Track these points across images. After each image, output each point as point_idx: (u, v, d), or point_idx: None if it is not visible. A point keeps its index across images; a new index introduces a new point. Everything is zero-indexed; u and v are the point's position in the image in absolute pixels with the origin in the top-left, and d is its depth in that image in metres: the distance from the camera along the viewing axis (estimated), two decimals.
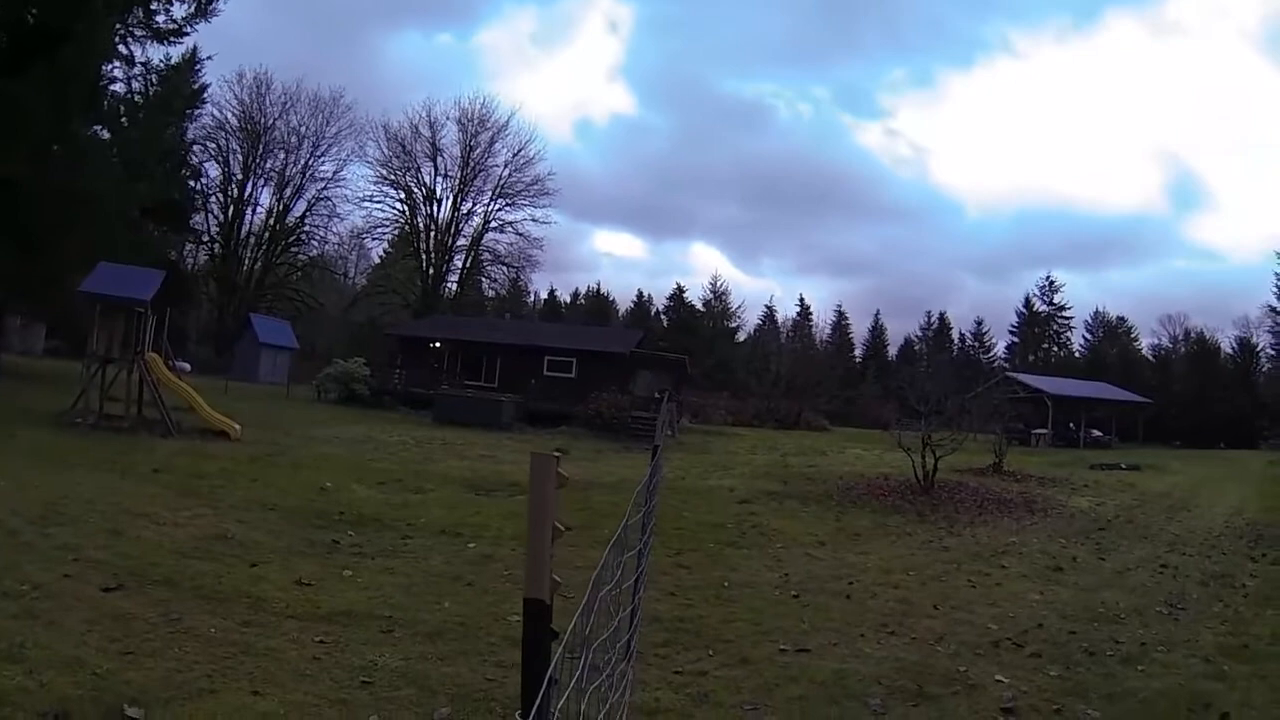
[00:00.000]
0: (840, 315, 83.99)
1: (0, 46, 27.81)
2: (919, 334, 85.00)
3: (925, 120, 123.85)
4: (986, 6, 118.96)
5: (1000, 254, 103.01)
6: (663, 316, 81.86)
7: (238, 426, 19.72)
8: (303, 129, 65.39)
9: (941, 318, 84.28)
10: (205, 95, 40.35)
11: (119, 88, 34.16)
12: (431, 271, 67.70)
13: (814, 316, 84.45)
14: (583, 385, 34.82)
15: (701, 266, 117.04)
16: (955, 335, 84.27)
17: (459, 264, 70.22)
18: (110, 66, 32.53)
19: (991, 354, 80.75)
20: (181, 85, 35.64)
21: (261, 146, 64.26)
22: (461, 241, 69.53)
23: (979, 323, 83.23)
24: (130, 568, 7.52)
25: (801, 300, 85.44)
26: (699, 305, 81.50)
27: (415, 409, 33.49)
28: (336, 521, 10.89)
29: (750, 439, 35.57)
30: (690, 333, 70.83)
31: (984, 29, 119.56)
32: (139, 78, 34.78)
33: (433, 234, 68.77)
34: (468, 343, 40.67)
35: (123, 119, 34.12)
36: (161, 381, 19.72)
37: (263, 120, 63.84)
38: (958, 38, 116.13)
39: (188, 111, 37.61)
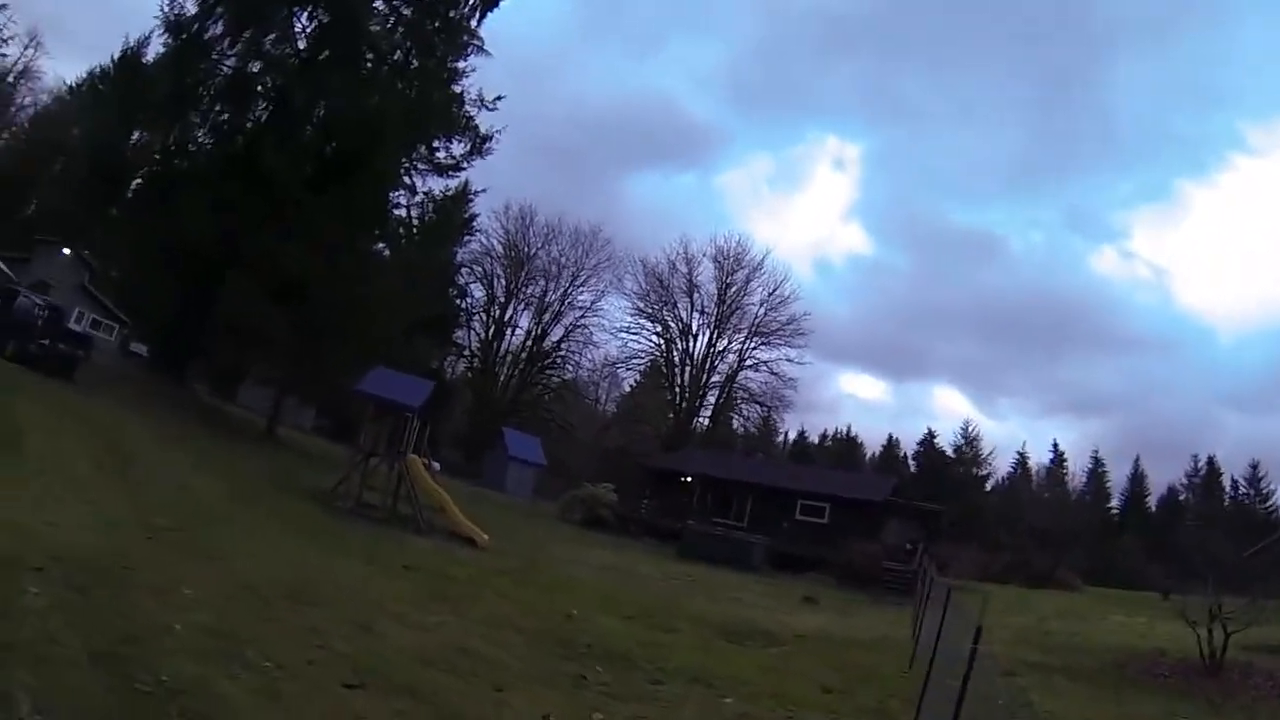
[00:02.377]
0: (1096, 461, 75.06)
1: (306, 173, 31.81)
2: (1183, 481, 73.85)
3: (1162, 236, 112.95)
4: (1209, 100, 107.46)
5: (1266, 381, 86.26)
6: (910, 461, 77.71)
7: (486, 536, 19.98)
8: (563, 259, 68.87)
9: (1210, 462, 72.64)
10: (475, 223, 44.49)
11: (401, 212, 37.89)
12: (684, 405, 68.42)
13: (1067, 463, 76.11)
14: (833, 531, 33.60)
15: (942, 409, 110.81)
16: (1226, 482, 71.93)
17: (711, 399, 70.60)
18: (396, 194, 36.19)
19: (1271, 503, 68.16)
20: (455, 214, 39.36)
21: (524, 273, 68.45)
22: (715, 378, 70.00)
23: (1254, 466, 70.44)
24: (373, 667, 7.26)
25: (1055, 446, 77.73)
26: (949, 451, 76.56)
27: (660, 540, 33.22)
28: (584, 654, 10.19)
29: (1002, 597, 31.77)
30: (939, 480, 66.30)
31: (1210, 125, 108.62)
32: (419, 205, 38.44)
33: (687, 368, 69.73)
34: (719, 480, 40.26)
35: (403, 240, 37.72)
36: (418, 482, 20.57)
37: (526, 249, 68.18)
38: (1184, 139, 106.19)
39: (459, 237, 41.25)
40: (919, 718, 8.65)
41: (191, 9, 32.39)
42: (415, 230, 37.28)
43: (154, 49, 34.12)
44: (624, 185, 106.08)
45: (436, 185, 37.66)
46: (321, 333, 30.94)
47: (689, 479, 40.66)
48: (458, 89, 36.10)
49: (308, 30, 34.28)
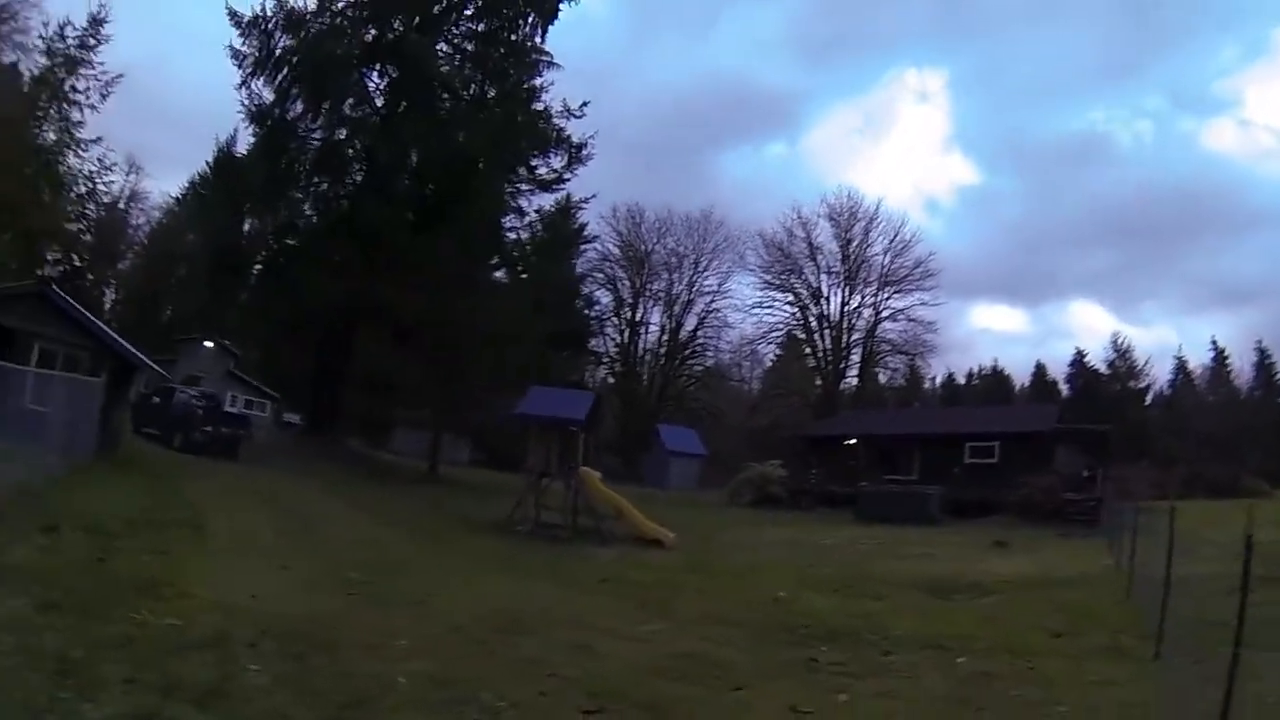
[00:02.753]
0: (1261, 353, 67.47)
1: (409, 219, 32.71)
2: None
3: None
4: None
5: None
6: (1064, 386, 72.88)
7: (671, 535, 19.46)
8: (681, 249, 68.03)
9: None
10: (586, 231, 43.84)
11: (514, 236, 38.06)
12: (829, 369, 66.85)
13: (1230, 360, 69.41)
14: (1005, 469, 31.63)
15: (1084, 327, 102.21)
16: None
17: (855, 359, 68.54)
18: (505, 219, 36.47)
19: None
20: (565, 227, 39.08)
21: (645, 270, 68.12)
22: (855, 336, 67.96)
23: None
24: (606, 688, 6.68)
25: (1214, 344, 70.94)
26: (1101, 368, 71.81)
27: (833, 507, 32.22)
28: (804, 636, 9.52)
29: (1191, 513, 28.92)
30: (1095, 400, 62.14)
31: None
32: (529, 226, 38.46)
33: (826, 332, 67.92)
34: (882, 436, 38.90)
35: (519, 262, 37.84)
36: (596, 494, 20.26)
37: (642, 246, 67.89)
38: None
39: (575, 248, 41.14)
40: (1161, 649, 8.09)
41: (269, 96, 33.54)
42: (530, 250, 37.23)
43: (243, 142, 35.39)
44: (716, 168, 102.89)
45: (544, 202, 37.95)
46: (457, 367, 31.32)
47: (852, 441, 39.32)
48: (540, 106, 36.23)
49: (381, 87, 35.20)
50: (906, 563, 17.05)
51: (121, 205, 66.15)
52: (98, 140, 50.05)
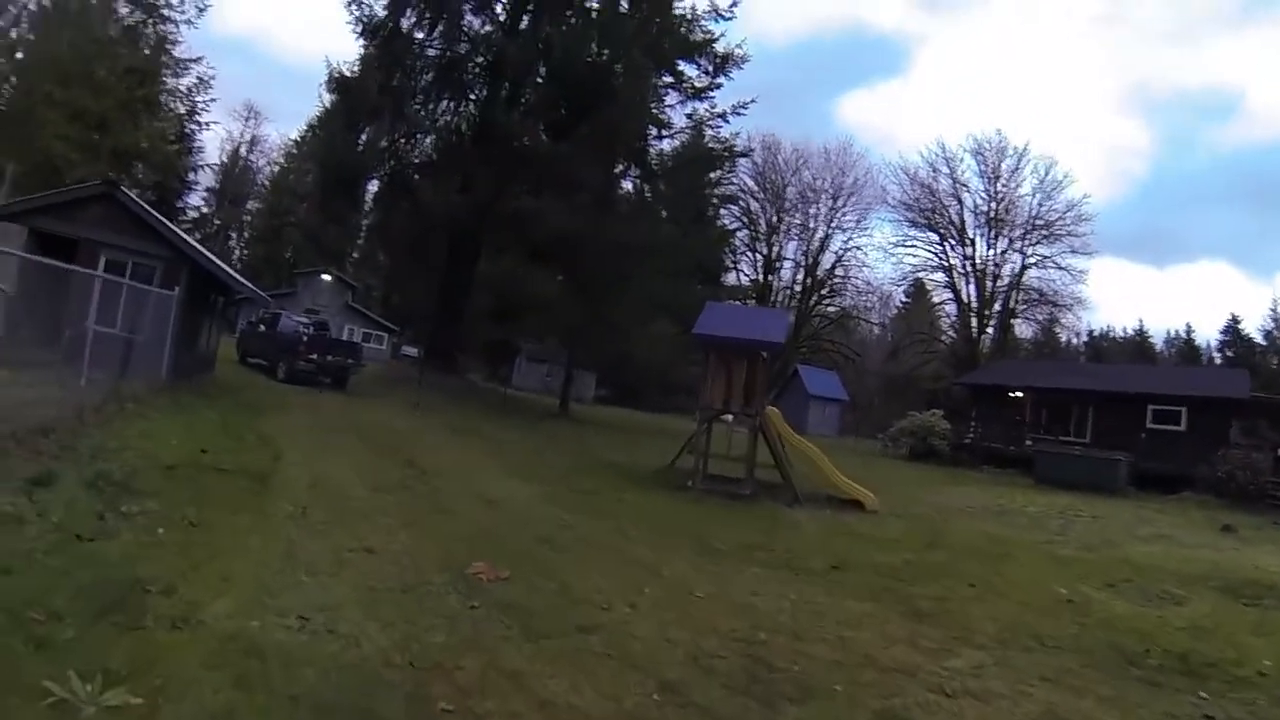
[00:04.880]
0: None
1: (543, 126, 29.04)
2: None
3: None
4: None
5: None
6: (1215, 355, 66.46)
7: (873, 496, 15.04)
8: (819, 182, 63.36)
9: None
10: (737, 148, 38.08)
11: (654, 152, 33.67)
12: (973, 318, 60.45)
13: None
14: (1193, 439, 27.42)
15: (1215, 287, 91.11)
16: None
17: (998, 307, 61.86)
18: (650, 131, 32.01)
19: None
20: (701, 149, 34.08)
21: (782, 203, 63.67)
22: (1000, 283, 61.21)
23: None
24: None
25: None
26: (1258, 337, 64.49)
27: (999, 468, 28.62)
28: (1156, 671, 6.30)
29: None
30: (1253, 371, 54.42)
31: None
32: (676, 137, 34.12)
33: (970, 275, 61.38)
34: (1053, 390, 33.86)
35: (662, 178, 33.48)
36: (786, 441, 15.82)
37: (778, 180, 63.24)
38: None
39: (726, 163, 35.97)
40: None
41: (381, 11, 30.65)
42: (672, 165, 32.60)
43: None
44: (842, 113, 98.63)
45: (680, 118, 33.15)
46: (595, 287, 27.51)
47: (1018, 394, 34.45)
48: (680, 9, 31.67)
49: None
50: (1150, 546, 13.39)
51: (243, 151, 67.03)
52: (198, 60, 49.00)
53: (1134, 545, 13.28)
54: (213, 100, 50.73)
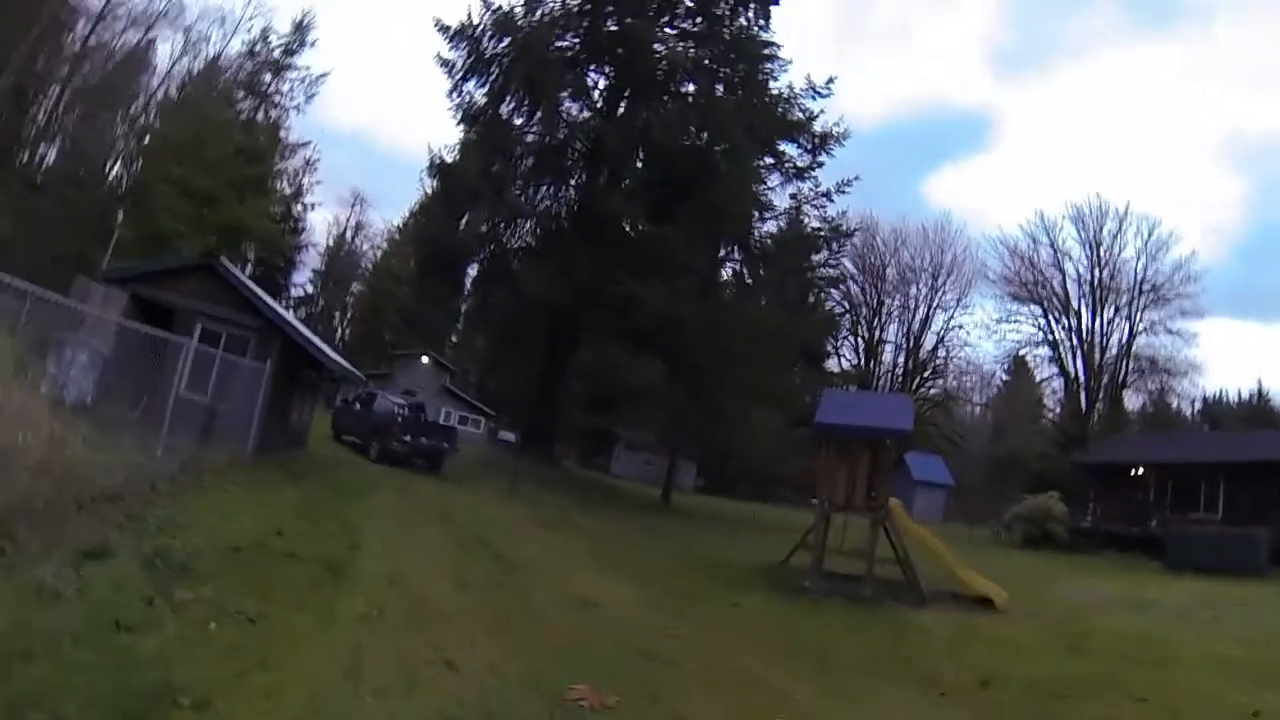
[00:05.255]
0: None
1: (644, 208, 28.60)
2: None
3: None
4: None
5: None
6: None
7: (1003, 593, 13.31)
8: (917, 261, 62.54)
9: None
10: (841, 231, 37.05)
11: (757, 234, 32.94)
12: (1082, 392, 57.07)
13: None
14: None
15: None
16: None
17: (1106, 380, 58.46)
18: (751, 214, 31.32)
19: None
20: (804, 230, 33.14)
21: (882, 284, 63.07)
22: (1109, 355, 58.21)
23: None
24: None
25: None
26: None
27: (1121, 550, 26.23)
28: None
29: None
30: None
31: None
32: (775, 221, 33.35)
33: (1077, 348, 58.50)
34: (1177, 465, 31.02)
35: (765, 261, 32.59)
36: (911, 536, 14.16)
37: (878, 261, 62.77)
38: None
39: (837, 242, 34.81)
40: None
41: (481, 99, 31.48)
42: (776, 247, 31.65)
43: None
44: (933, 193, 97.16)
45: (783, 200, 32.60)
46: (697, 374, 26.38)
47: (1139, 470, 31.81)
48: (777, 90, 31.41)
49: (600, 84, 32.15)
50: None
51: (348, 235, 69.93)
52: (306, 144, 51.40)
53: None
54: (318, 183, 53.11)
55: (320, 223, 77.46)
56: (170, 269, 15.61)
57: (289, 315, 17.54)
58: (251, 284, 16.08)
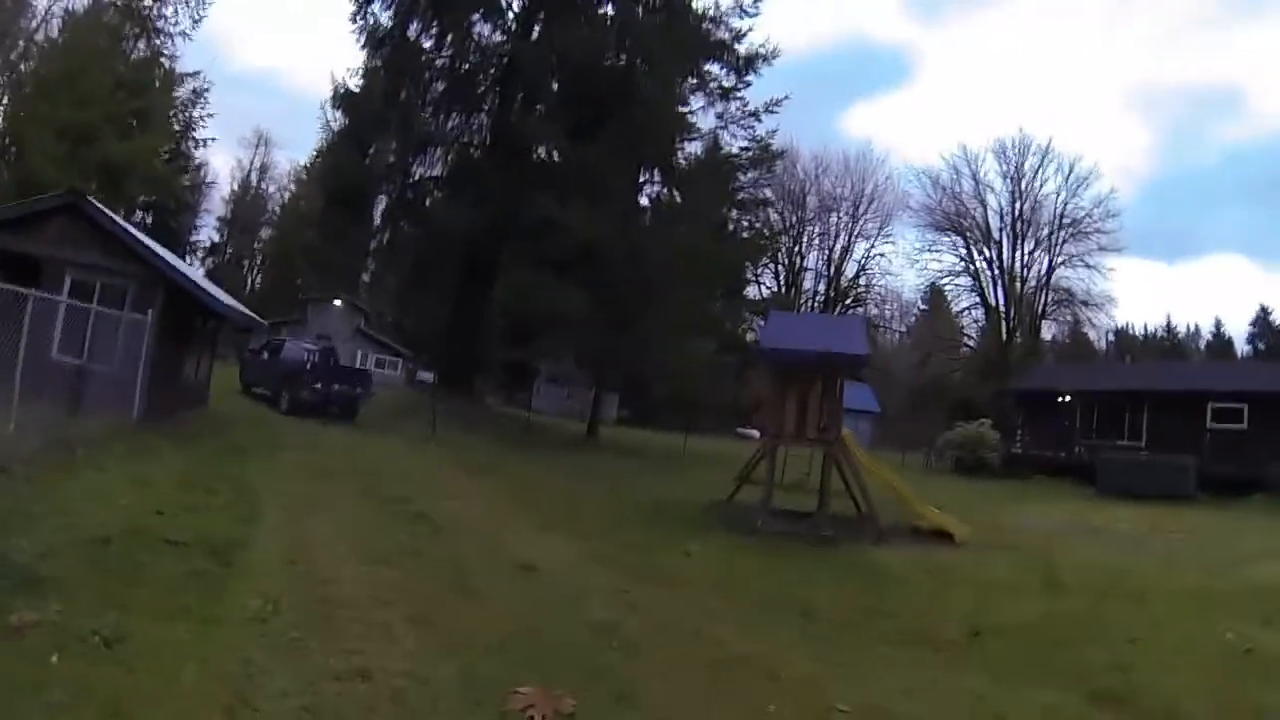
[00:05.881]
0: None
1: (563, 130, 27.19)
2: None
3: None
4: None
5: None
6: (1247, 347, 65.17)
7: (965, 527, 12.89)
8: (839, 190, 62.95)
9: None
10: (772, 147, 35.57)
11: (681, 157, 31.66)
12: (1002, 322, 58.34)
13: None
14: (1257, 439, 25.88)
15: (1230, 282, 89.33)
16: None
17: (1028, 310, 60.12)
18: (677, 136, 30.06)
19: None
20: (726, 155, 31.91)
21: (804, 212, 63.24)
22: (1029, 286, 59.96)
23: None
24: None
25: None
26: None
27: (1051, 477, 26.83)
28: None
29: None
30: None
31: None
32: (700, 143, 32.10)
33: (998, 278, 60.00)
34: (1099, 393, 31.99)
35: (687, 187, 31.38)
36: (867, 469, 13.48)
37: (798, 188, 62.58)
38: None
39: (762, 165, 33.53)
40: None
41: (387, 21, 29.39)
42: (696, 175, 30.30)
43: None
44: (848, 127, 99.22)
45: (713, 118, 31.31)
46: (623, 301, 25.29)
47: (1066, 398, 32.59)
48: (701, 6, 30.00)
49: (512, 4, 30.06)
50: (1271, 564, 11.78)
51: (253, 178, 66.16)
52: (195, 74, 47.26)
53: (1254, 566, 11.69)
54: (210, 115, 49.35)
55: (224, 168, 73.46)
56: (30, 214, 13.51)
57: (173, 259, 15.61)
58: (128, 225, 14.18)
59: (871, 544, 11.77)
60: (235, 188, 66.58)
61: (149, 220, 41.07)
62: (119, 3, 40.40)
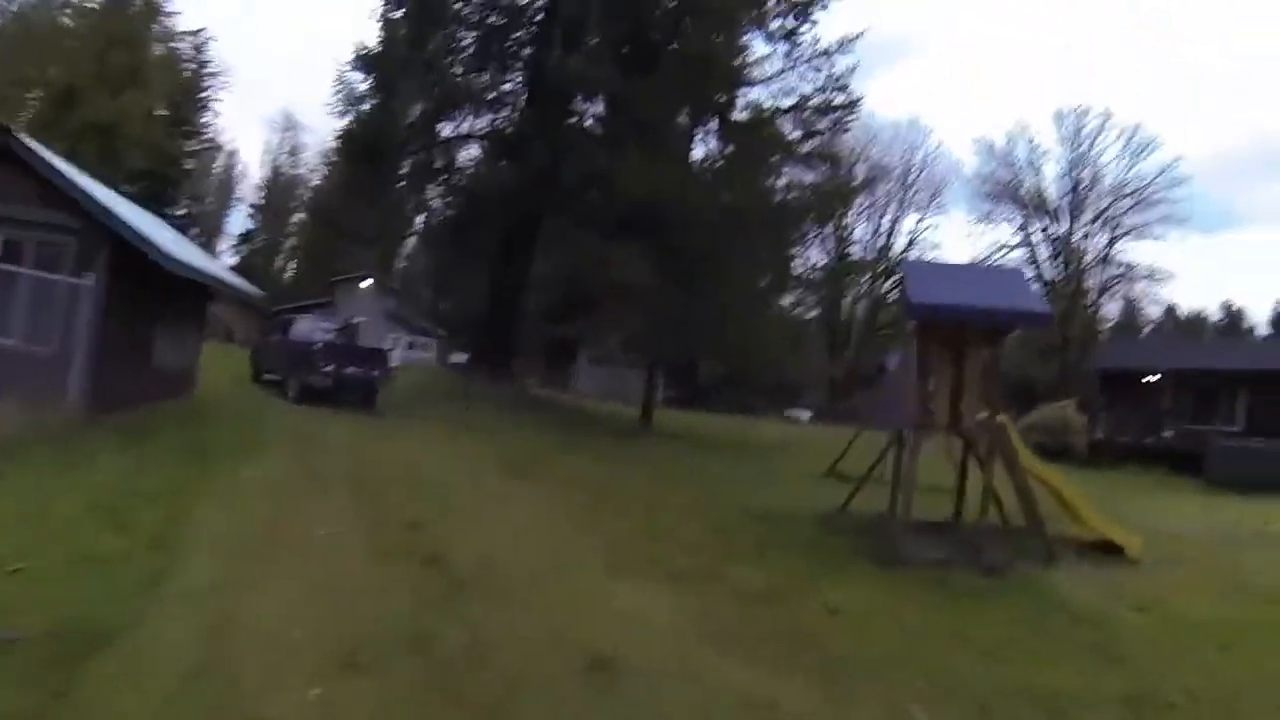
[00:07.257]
0: None
1: (611, 72, 23.94)
2: None
3: None
4: None
5: None
6: None
7: (1136, 539, 9.67)
8: (887, 160, 59.98)
9: None
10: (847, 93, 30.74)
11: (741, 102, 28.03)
12: (1055, 293, 54.85)
13: None
14: None
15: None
16: None
17: (1091, 283, 57.09)
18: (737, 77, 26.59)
19: None
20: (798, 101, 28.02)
21: (850, 183, 59.90)
22: (1087, 259, 56.84)
23: None
24: None
25: None
26: None
27: (1143, 466, 24.29)
28: None
29: None
30: None
31: None
32: (762, 88, 28.42)
33: (1056, 253, 57.18)
34: (1194, 373, 29.39)
35: (748, 134, 27.61)
36: (1031, 469, 10.09)
37: (848, 157, 59.05)
38: None
39: (841, 114, 29.55)
40: None
41: None
42: (772, 114, 26.28)
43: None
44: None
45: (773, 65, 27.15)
46: (692, 264, 21.65)
47: (1156, 378, 29.99)
48: None
49: None
50: None
51: (286, 158, 64.07)
52: (197, 32, 44.04)
53: None
54: (215, 74, 46.60)
55: (253, 156, 72.13)
56: None
57: (123, 206, 12.44)
58: (66, 166, 11.13)
59: (1043, 566, 8.59)
60: (267, 173, 65.43)
61: (139, 189, 37.98)
62: None
